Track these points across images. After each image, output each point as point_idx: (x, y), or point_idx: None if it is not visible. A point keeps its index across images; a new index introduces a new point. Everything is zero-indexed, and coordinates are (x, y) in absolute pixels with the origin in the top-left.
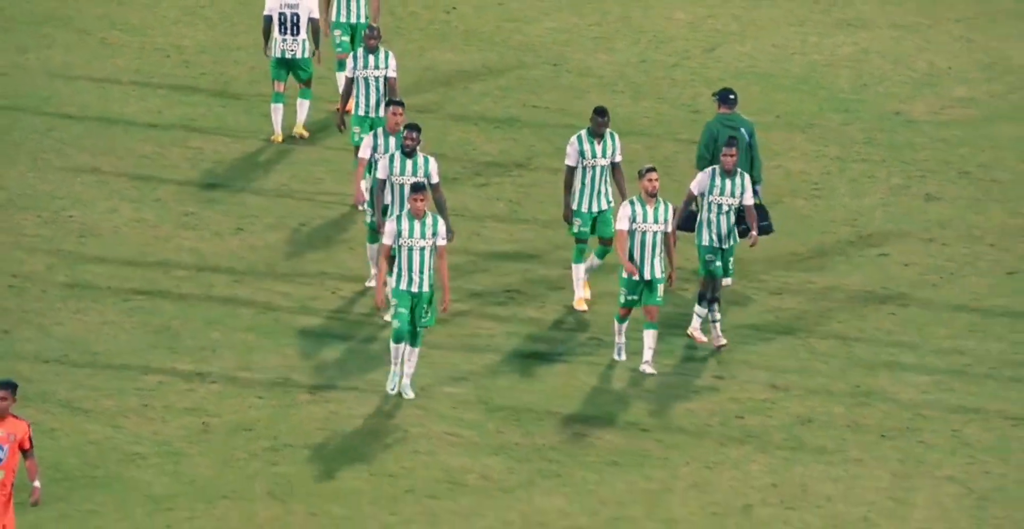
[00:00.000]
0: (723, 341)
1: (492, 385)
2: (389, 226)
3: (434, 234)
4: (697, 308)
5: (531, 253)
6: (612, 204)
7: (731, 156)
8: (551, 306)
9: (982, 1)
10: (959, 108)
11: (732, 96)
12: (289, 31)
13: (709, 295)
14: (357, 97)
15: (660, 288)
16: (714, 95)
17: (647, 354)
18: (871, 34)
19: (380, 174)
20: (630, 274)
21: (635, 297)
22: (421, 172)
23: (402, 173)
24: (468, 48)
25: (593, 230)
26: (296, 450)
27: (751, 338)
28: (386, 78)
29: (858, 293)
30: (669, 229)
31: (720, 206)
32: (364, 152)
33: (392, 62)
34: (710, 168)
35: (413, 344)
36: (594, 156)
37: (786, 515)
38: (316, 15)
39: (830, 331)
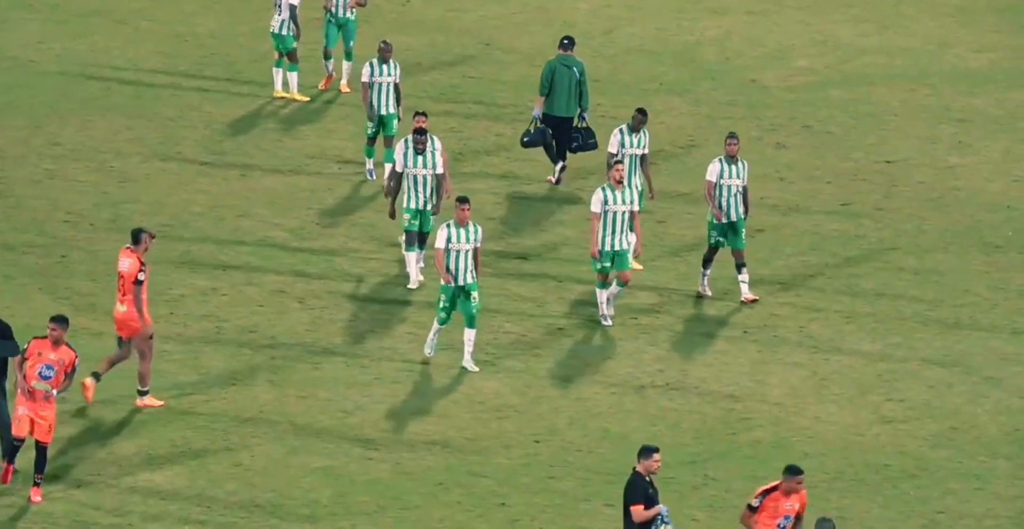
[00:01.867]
0: (752, 296)
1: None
2: (441, 233)
3: (476, 238)
4: (703, 270)
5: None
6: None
7: (733, 145)
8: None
9: None
10: (801, 76)
11: (566, 41)
12: (276, 10)
13: (710, 257)
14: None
15: (628, 257)
16: (560, 42)
17: (605, 308)
18: (731, 19)
19: (397, 167)
20: (601, 252)
21: (609, 264)
22: (430, 164)
23: (415, 166)
24: (420, 32)
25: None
26: (289, 347)
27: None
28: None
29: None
30: (636, 209)
31: (730, 188)
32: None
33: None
34: (716, 158)
35: (471, 326)
36: (632, 145)
37: (670, 394)
38: (295, 2)
39: (701, 250)
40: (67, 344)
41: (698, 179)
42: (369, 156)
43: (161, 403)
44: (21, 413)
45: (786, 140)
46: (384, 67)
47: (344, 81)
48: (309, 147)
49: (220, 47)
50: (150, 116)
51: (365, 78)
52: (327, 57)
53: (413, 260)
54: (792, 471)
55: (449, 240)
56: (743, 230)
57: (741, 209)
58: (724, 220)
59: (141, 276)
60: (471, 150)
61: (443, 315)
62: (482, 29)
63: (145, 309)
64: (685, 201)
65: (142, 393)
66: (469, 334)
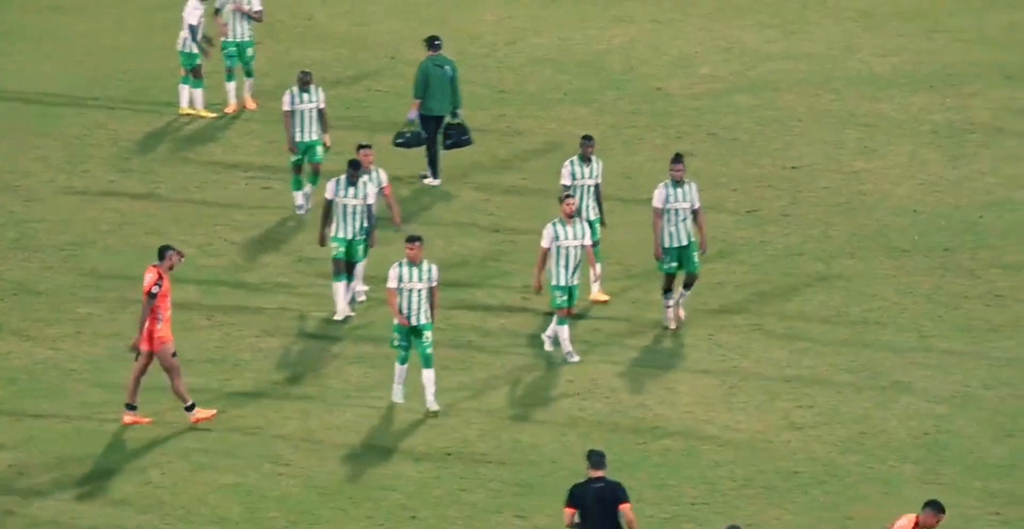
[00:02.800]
0: (676, 323)
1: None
2: (392, 271)
3: (429, 278)
4: (664, 299)
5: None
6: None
7: (678, 170)
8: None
9: None
10: (705, 84)
11: (437, 42)
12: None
13: (668, 286)
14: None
15: (576, 292)
16: (423, 41)
17: (566, 343)
18: (636, 27)
19: (327, 195)
20: (558, 287)
21: (566, 297)
22: (361, 194)
23: (346, 196)
24: (324, 46)
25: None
26: (196, 363)
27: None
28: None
29: (633, 230)
30: (587, 243)
31: (676, 212)
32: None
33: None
34: (662, 183)
35: (426, 366)
36: (581, 177)
37: (580, 404)
38: (194, 22)
39: (607, 262)
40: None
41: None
42: (296, 188)
43: (212, 412)
44: None
45: (692, 148)
46: (305, 95)
47: (248, 96)
48: (216, 164)
49: (125, 65)
50: (56, 135)
51: (286, 106)
52: (229, 78)
53: (340, 291)
54: (936, 508)
55: (401, 279)
56: (695, 253)
57: (691, 232)
58: (675, 245)
59: (155, 289)
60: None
61: (401, 353)
62: (387, 43)
63: (167, 326)
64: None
65: (188, 409)
66: (427, 375)
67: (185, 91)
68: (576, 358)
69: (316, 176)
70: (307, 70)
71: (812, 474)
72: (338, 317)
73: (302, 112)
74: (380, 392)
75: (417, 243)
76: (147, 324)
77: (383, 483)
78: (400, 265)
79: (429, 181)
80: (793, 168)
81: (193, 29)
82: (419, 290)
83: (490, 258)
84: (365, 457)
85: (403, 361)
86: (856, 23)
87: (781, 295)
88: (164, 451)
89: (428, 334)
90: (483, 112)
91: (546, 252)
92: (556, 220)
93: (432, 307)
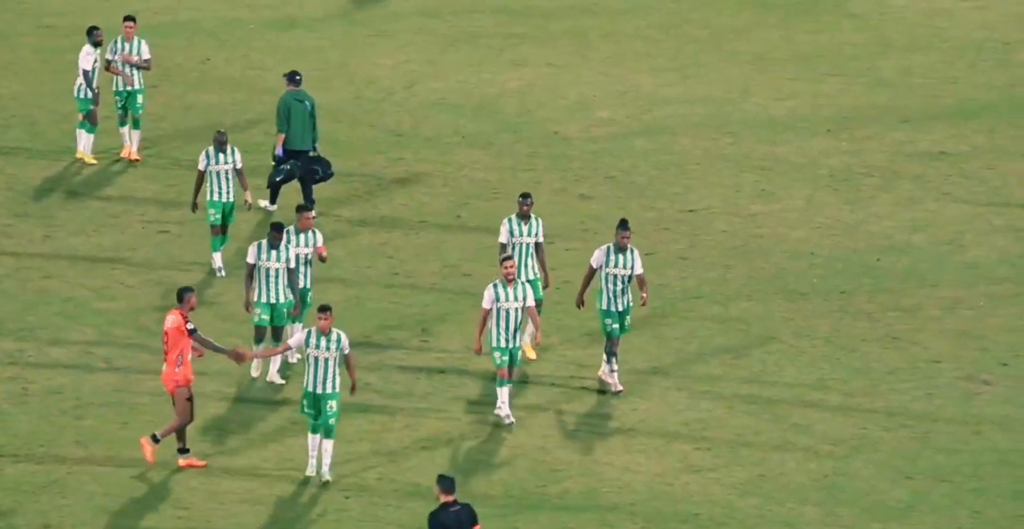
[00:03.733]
0: (620, 387)
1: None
2: (296, 338)
3: (339, 347)
4: (604, 359)
5: None
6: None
7: (625, 237)
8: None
9: (616, 44)
10: (603, 127)
11: (297, 77)
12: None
13: (612, 350)
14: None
15: (520, 353)
16: (284, 76)
17: (503, 406)
18: (532, 71)
19: (249, 259)
20: (495, 345)
21: (507, 358)
22: (284, 258)
23: (268, 259)
24: (221, 90)
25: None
26: (96, 407)
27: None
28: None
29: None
30: (531, 304)
31: (616, 277)
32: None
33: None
34: (605, 246)
35: (328, 436)
36: (520, 235)
37: (480, 447)
38: (87, 67)
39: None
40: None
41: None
42: (215, 249)
43: (203, 463)
44: None
45: (590, 191)
46: (221, 155)
47: (134, 149)
48: (112, 207)
49: (21, 109)
50: None
51: (201, 166)
52: (121, 124)
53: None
54: None
55: (308, 345)
56: (628, 317)
57: (628, 296)
58: (615, 309)
59: (190, 325)
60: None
61: (311, 421)
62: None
63: (186, 369)
64: (492, 254)
65: (181, 451)
66: (326, 445)
67: (82, 135)
68: (510, 421)
69: (227, 236)
70: (223, 130)
71: (711, 516)
72: (254, 373)
73: (218, 173)
74: (281, 437)
75: (328, 314)
76: (167, 366)
77: (284, 526)
78: (310, 333)
79: (267, 207)
80: (691, 211)
81: (87, 74)
82: (326, 359)
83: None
84: (266, 500)
85: (314, 430)
86: (751, 66)
87: (679, 338)
88: (64, 494)
89: (333, 403)
90: (380, 155)
91: (487, 313)
92: (497, 281)
93: (351, 373)
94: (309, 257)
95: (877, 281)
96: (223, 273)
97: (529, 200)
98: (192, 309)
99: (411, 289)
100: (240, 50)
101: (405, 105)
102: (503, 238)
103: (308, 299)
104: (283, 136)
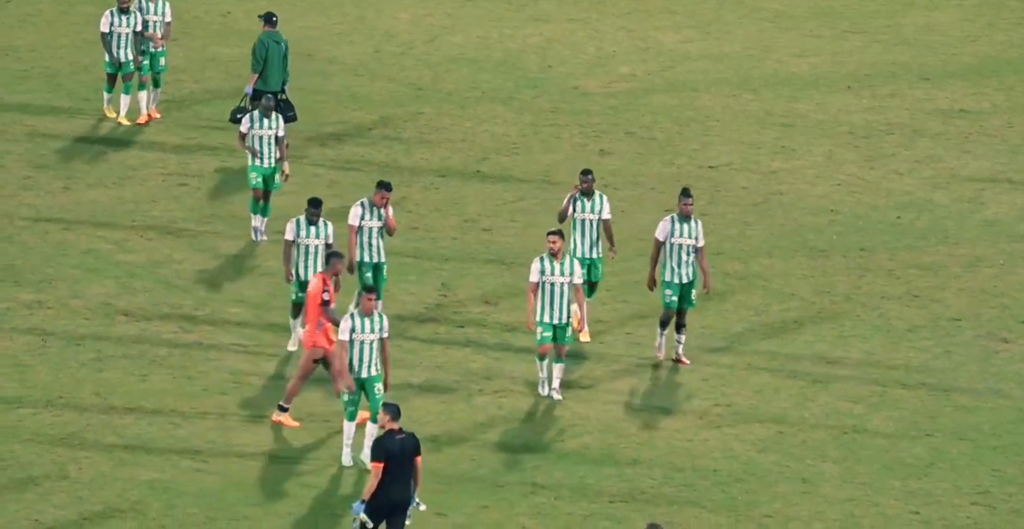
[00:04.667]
0: (686, 361)
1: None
2: (344, 323)
3: (381, 329)
4: (659, 331)
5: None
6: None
7: (688, 205)
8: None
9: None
10: (623, 83)
11: (274, 18)
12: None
13: (671, 322)
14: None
15: (568, 330)
16: (260, 17)
17: (556, 383)
18: (553, 26)
19: (287, 235)
20: (539, 320)
21: (549, 334)
22: (323, 235)
23: (307, 236)
24: (241, 43)
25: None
26: (116, 359)
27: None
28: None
29: (550, 228)
30: (578, 281)
31: (681, 247)
32: (352, 220)
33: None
34: (668, 216)
35: (374, 422)
36: (583, 211)
37: (499, 401)
38: (105, 30)
39: (530, 258)
40: None
41: (521, 186)
42: (255, 211)
43: (296, 424)
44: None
45: (610, 147)
46: (265, 121)
47: (154, 107)
48: (132, 159)
49: (39, 61)
50: None
51: (244, 129)
52: (140, 87)
53: (296, 326)
54: None
55: (353, 330)
56: (694, 291)
57: (694, 268)
58: (678, 281)
59: (325, 296)
60: (293, 158)
61: (350, 409)
62: (303, 40)
63: (324, 335)
64: (512, 209)
65: (281, 408)
66: (371, 429)
67: (105, 96)
68: (558, 397)
69: (266, 205)
70: (270, 96)
71: (730, 472)
72: (291, 347)
73: (261, 137)
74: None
75: (374, 294)
76: (308, 326)
77: (304, 481)
78: (352, 317)
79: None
80: (711, 168)
81: (104, 38)
82: (371, 342)
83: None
84: (285, 454)
85: (351, 417)
86: (772, 24)
87: (699, 294)
88: (83, 446)
89: (379, 386)
90: (400, 109)
91: (535, 287)
92: (544, 254)
93: (385, 358)
94: (381, 230)
95: (897, 238)
96: (262, 237)
97: (590, 176)
98: (337, 274)
99: (431, 242)
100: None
101: (425, 59)
102: (565, 212)
103: (384, 273)
104: (256, 76)
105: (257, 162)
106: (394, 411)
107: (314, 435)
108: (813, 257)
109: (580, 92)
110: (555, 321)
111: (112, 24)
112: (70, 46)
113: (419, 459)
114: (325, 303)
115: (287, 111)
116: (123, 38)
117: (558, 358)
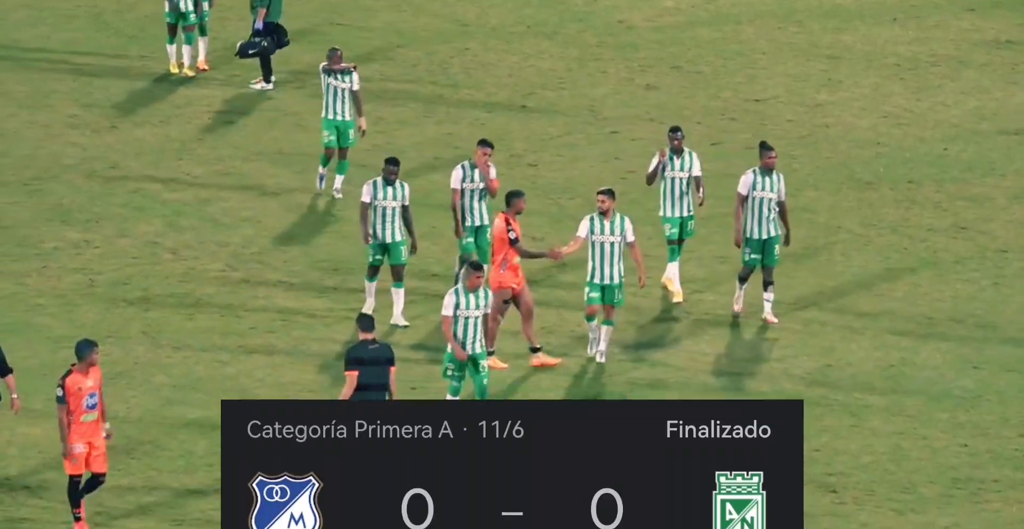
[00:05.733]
0: (774, 320)
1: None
2: (449, 299)
3: (486, 304)
4: (738, 286)
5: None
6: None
7: (772, 157)
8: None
9: None
10: (668, 16)
11: None
12: None
13: (745, 276)
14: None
15: (618, 292)
16: None
17: (603, 345)
18: None
19: (365, 198)
20: (589, 280)
21: (597, 295)
22: (400, 195)
23: (384, 197)
24: None
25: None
26: (163, 298)
27: None
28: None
29: (596, 163)
30: (630, 239)
31: (763, 201)
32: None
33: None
34: (750, 170)
35: (482, 396)
36: (672, 169)
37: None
38: None
39: (576, 193)
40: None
41: (567, 120)
42: (324, 164)
43: (504, 366)
44: (76, 451)
45: (656, 81)
46: (338, 76)
47: (202, 58)
48: (178, 98)
49: (85, 1)
50: (17, 69)
51: (323, 83)
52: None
53: (372, 290)
54: None
55: (457, 307)
56: (777, 246)
57: (776, 224)
58: (758, 237)
59: (512, 234)
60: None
61: (454, 384)
62: None
63: (510, 273)
64: (558, 144)
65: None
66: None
67: (185, 49)
68: (601, 359)
69: (344, 162)
70: (335, 48)
71: None
72: (367, 310)
73: (336, 89)
74: (346, 332)
75: (482, 271)
76: (493, 267)
77: None
78: (456, 293)
79: (262, 86)
80: (756, 101)
81: None
82: (476, 318)
83: None
84: (333, 391)
85: (455, 393)
86: None
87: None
88: (131, 386)
89: (484, 363)
90: (446, 45)
91: (580, 243)
92: (594, 214)
93: (487, 333)
94: (484, 192)
95: (944, 170)
96: (323, 185)
97: (679, 133)
98: (519, 213)
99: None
100: None
101: None
102: (653, 168)
103: (488, 236)
104: (264, 10)
105: (331, 115)
106: (366, 322)
107: None
108: (860, 190)
109: (625, 26)
110: (604, 281)
111: None
112: None
113: (393, 369)
114: (514, 241)
115: (283, 37)
116: None
117: (607, 320)
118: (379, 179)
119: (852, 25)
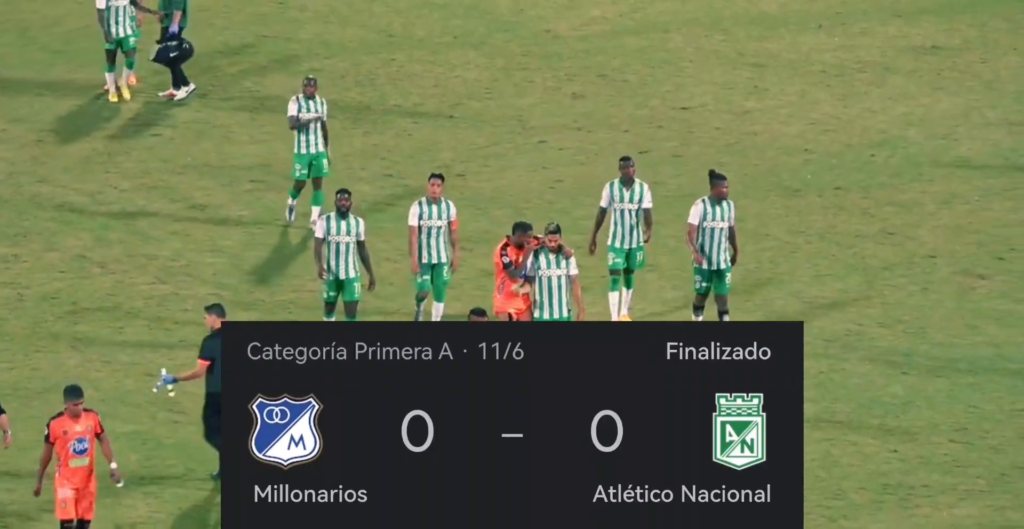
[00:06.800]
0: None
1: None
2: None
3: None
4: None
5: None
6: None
7: (725, 187)
8: None
9: None
10: (595, 25)
11: None
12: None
13: (700, 305)
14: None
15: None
16: None
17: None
18: None
19: (319, 234)
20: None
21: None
22: (355, 231)
23: (338, 233)
24: None
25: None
26: (91, 312)
27: None
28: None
29: (524, 172)
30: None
31: (714, 230)
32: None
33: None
34: (700, 199)
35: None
36: (621, 201)
37: None
38: (101, 6)
39: (505, 202)
40: (84, 409)
41: (494, 130)
42: (294, 196)
43: None
44: (63, 496)
45: (582, 89)
46: (311, 103)
47: (131, 78)
48: (105, 111)
49: (12, 13)
50: None
51: (292, 112)
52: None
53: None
54: None
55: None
56: (728, 275)
57: (727, 254)
58: (707, 266)
59: (506, 259)
60: (267, 109)
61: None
62: None
63: (503, 297)
64: (485, 154)
65: None
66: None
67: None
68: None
69: (319, 193)
70: (310, 77)
71: None
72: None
73: (308, 122)
74: None
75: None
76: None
77: None
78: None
79: (186, 92)
80: (684, 109)
81: (100, 14)
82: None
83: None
84: None
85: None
86: None
87: (674, 235)
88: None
89: (447, 269)
90: (372, 56)
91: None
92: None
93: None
94: (440, 228)
95: (871, 176)
96: (292, 217)
97: (630, 163)
98: (520, 246)
99: (404, 188)
100: None
101: (395, 5)
102: (603, 203)
103: (445, 274)
104: (179, 14)
105: (303, 150)
106: (219, 311)
107: None
108: (788, 197)
109: (552, 35)
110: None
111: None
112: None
113: None
114: (506, 265)
115: (184, 43)
116: (120, 12)
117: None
118: (333, 213)
119: (778, 33)
